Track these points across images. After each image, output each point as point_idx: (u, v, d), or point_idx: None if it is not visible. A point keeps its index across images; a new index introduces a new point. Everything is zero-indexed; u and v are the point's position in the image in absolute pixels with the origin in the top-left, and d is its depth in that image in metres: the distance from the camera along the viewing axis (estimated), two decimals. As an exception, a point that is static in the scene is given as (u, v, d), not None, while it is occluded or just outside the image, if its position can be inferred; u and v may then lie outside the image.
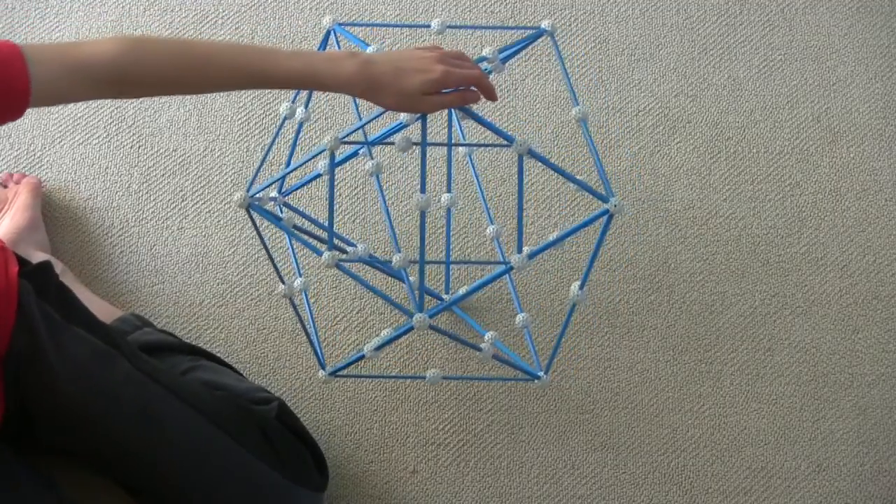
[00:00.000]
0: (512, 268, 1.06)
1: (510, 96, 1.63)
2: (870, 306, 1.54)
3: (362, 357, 1.16)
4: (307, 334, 1.21)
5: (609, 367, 1.49)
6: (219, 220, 1.54)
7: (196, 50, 1.03)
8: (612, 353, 1.49)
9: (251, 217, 1.11)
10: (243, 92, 1.61)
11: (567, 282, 1.52)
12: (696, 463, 1.45)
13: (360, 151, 1.28)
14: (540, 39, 1.48)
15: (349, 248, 1.34)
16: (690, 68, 1.67)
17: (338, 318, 1.50)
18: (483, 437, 1.44)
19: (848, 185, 1.61)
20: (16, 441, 1.21)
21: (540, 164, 1.64)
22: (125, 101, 1.59)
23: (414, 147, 1.07)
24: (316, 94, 1.44)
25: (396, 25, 1.26)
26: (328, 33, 1.20)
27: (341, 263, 1.06)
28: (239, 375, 1.40)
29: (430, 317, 1.07)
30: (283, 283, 1.16)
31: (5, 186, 1.51)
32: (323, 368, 1.23)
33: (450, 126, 1.05)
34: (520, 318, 1.21)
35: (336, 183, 1.56)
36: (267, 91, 1.61)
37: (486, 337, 1.18)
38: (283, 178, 1.15)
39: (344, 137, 1.08)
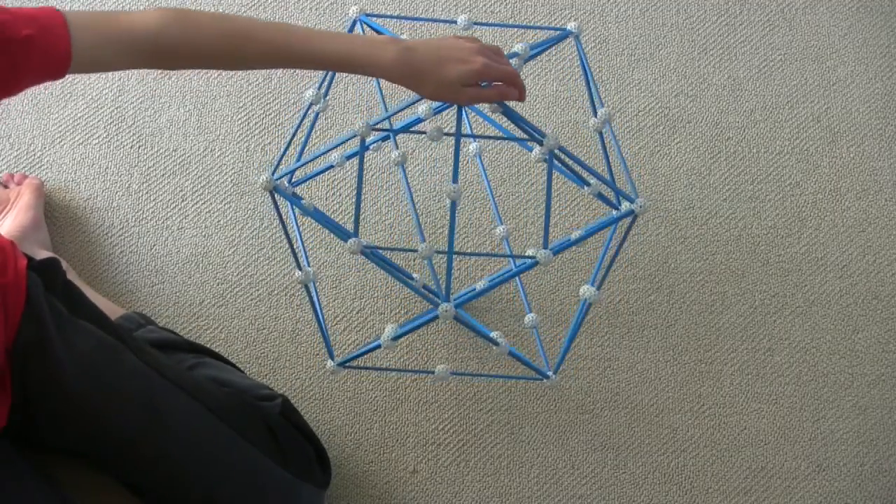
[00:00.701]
0: (537, 262, 1.06)
1: (510, 96, 1.63)
2: (870, 306, 1.54)
3: (378, 347, 1.14)
4: (319, 322, 1.21)
5: (609, 367, 1.49)
6: (219, 220, 1.54)
7: (237, 25, 1.03)
8: (612, 353, 1.49)
9: (274, 201, 1.10)
10: (243, 92, 1.61)
11: (567, 282, 1.52)
12: (696, 463, 1.45)
13: (371, 147, 1.27)
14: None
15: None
16: (690, 68, 1.67)
17: (338, 318, 1.50)
18: (483, 437, 1.44)
19: (848, 185, 1.61)
20: (20, 440, 1.22)
21: (543, 165, 1.65)
22: (125, 100, 1.59)
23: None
24: (334, 85, 1.44)
25: (422, 20, 1.26)
26: (354, 23, 1.20)
27: (366, 249, 1.05)
28: (242, 373, 1.40)
29: (457, 306, 1.06)
30: (299, 269, 1.16)
31: (6, 187, 1.52)
32: (332, 359, 1.23)
33: (458, 120, 1.05)
34: (529, 318, 1.21)
35: (343, 176, 1.56)
36: (267, 91, 1.61)
37: (492, 335, 1.17)
38: (294, 170, 1.15)
39: (375, 124, 1.07)
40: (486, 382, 1.46)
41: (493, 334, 1.18)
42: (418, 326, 1.12)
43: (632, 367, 1.49)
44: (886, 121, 1.65)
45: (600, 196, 1.20)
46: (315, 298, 1.22)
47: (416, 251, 1.06)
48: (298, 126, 1.14)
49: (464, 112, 1.27)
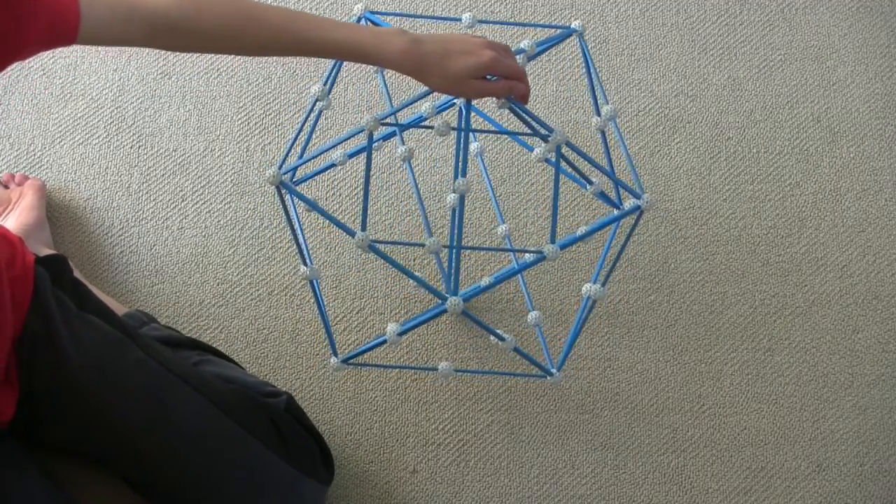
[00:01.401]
0: (545, 256, 1.06)
1: (510, 96, 1.63)
2: (870, 306, 1.54)
3: (384, 342, 1.14)
4: (323, 318, 1.21)
5: (609, 367, 1.49)
6: (219, 220, 1.54)
7: (250, 7, 1.03)
8: (612, 353, 1.49)
9: (280, 196, 1.10)
10: (243, 92, 1.61)
11: (567, 282, 1.52)
12: (696, 463, 1.45)
13: (375, 144, 1.27)
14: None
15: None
16: (690, 68, 1.67)
17: (338, 319, 1.50)
18: (483, 437, 1.44)
19: (848, 185, 1.61)
20: (25, 437, 1.22)
21: (543, 165, 1.65)
22: (125, 100, 1.59)
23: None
24: (334, 85, 1.44)
25: (427, 18, 1.26)
26: (358, 20, 1.20)
27: (374, 245, 1.05)
28: (245, 371, 1.40)
29: (465, 300, 1.06)
30: (305, 264, 1.16)
31: (6, 187, 1.52)
32: (335, 356, 1.23)
33: (460, 117, 1.05)
34: (532, 315, 1.21)
35: (343, 176, 1.56)
36: (267, 91, 1.61)
37: (498, 332, 1.18)
38: (299, 165, 1.15)
39: (382, 119, 1.07)
40: (485, 383, 1.46)
41: (498, 331, 1.18)
42: (426, 321, 1.12)
43: (632, 367, 1.49)
44: (886, 121, 1.65)
45: (602, 195, 1.20)
46: (319, 295, 1.22)
47: (423, 245, 1.06)
48: (306, 118, 1.14)
49: (464, 108, 1.27)
